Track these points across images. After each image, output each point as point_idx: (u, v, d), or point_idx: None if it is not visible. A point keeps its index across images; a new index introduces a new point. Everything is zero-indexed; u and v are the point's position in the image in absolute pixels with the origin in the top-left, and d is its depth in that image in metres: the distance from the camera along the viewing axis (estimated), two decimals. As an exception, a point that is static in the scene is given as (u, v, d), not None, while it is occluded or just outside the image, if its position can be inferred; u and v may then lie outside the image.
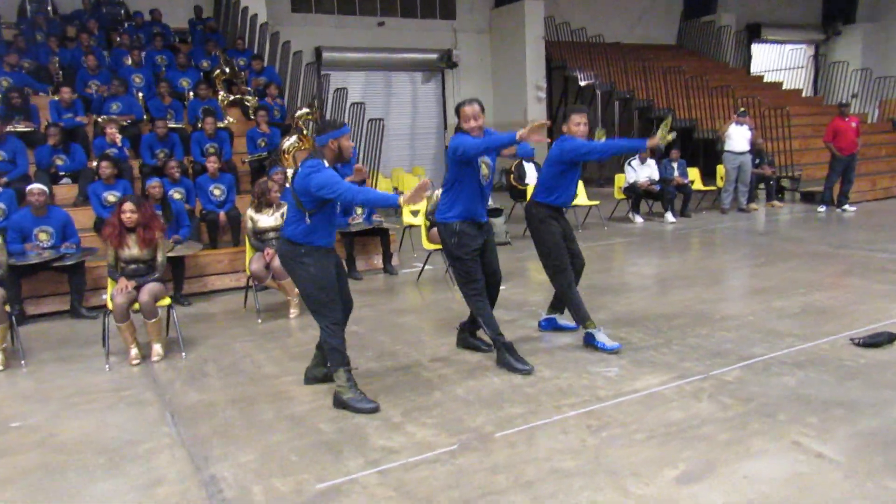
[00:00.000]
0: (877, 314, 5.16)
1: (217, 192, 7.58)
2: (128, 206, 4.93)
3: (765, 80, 17.77)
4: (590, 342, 4.66)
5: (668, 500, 2.81)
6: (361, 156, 9.88)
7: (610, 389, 3.98)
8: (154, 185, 6.62)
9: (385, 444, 3.43)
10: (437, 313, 5.90)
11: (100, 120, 8.53)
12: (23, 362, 4.97)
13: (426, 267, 7.42)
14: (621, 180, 10.89)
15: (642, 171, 10.57)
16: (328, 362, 4.00)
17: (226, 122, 9.53)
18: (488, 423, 3.60)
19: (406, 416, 3.75)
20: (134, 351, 4.91)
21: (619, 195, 10.95)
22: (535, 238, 4.84)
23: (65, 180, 7.93)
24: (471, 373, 4.36)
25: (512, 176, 10.43)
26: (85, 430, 3.78)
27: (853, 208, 10.83)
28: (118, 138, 7.95)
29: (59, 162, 7.87)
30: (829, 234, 9.03)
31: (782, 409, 3.59)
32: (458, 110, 4.30)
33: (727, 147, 11.12)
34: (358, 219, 7.57)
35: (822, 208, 10.89)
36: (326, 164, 3.80)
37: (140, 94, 9.59)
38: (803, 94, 17.35)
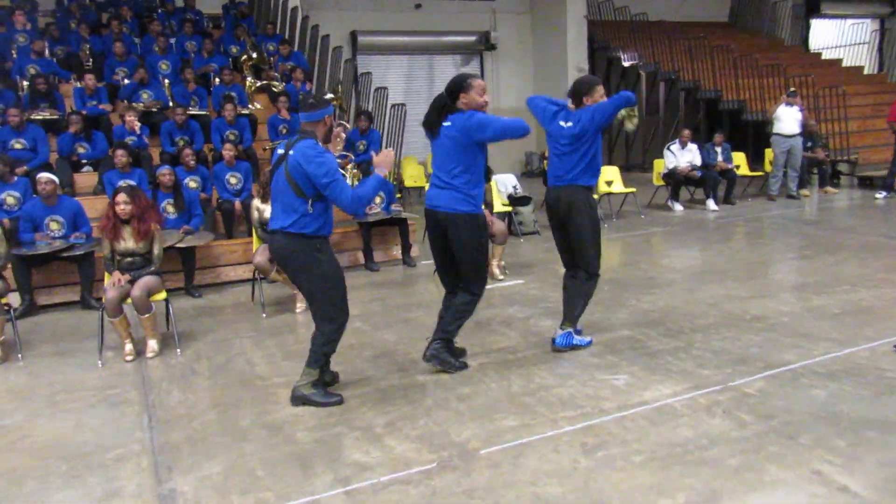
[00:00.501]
0: (928, 317, 4.66)
1: (233, 180, 7.43)
2: (121, 197, 4.78)
3: (823, 57, 16.75)
4: (569, 343, 4.39)
5: (658, 537, 2.48)
6: (385, 140, 9.61)
7: (615, 401, 3.63)
8: (164, 172, 6.50)
9: (360, 458, 3.17)
10: (448, 309, 5.60)
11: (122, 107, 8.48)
12: (19, 356, 4.89)
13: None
14: (660, 166, 10.35)
15: (683, 156, 10.02)
16: (310, 358, 3.74)
17: (252, 108, 9.39)
18: (475, 438, 3.30)
19: (390, 426, 3.49)
20: (128, 346, 4.77)
21: (657, 181, 10.42)
22: (586, 224, 4.26)
23: (86, 168, 7.89)
24: (468, 378, 4.06)
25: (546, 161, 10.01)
26: (59, 433, 3.63)
27: (917, 195, 10.07)
28: (137, 126, 7.87)
29: (80, 150, 7.83)
30: (887, 224, 8.36)
31: (806, 430, 3.18)
32: (464, 84, 3.87)
33: (776, 129, 10.45)
34: (376, 208, 7.32)
35: (881, 195, 10.14)
36: (322, 146, 3.57)
37: (166, 81, 9.52)
38: (865, 72, 16.28)
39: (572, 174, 4.26)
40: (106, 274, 4.94)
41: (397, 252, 7.59)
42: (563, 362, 4.23)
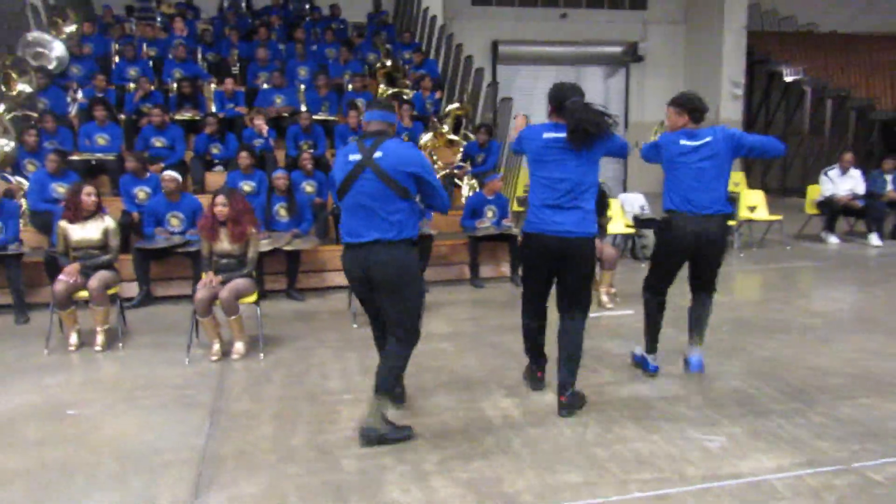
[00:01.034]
0: None
1: (348, 186, 7.44)
2: (219, 198, 4.86)
3: None
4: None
5: None
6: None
7: (702, 467, 3.11)
8: (279, 176, 6.62)
9: (398, 497, 2.91)
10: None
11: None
12: (120, 345, 5.10)
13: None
14: (815, 192, 9.27)
15: (843, 183, 8.91)
16: (384, 383, 3.41)
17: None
18: (528, 491, 2.93)
19: (441, 464, 3.20)
20: (216, 346, 4.83)
21: (810, 209, 9.34)
22: (720, 252, 4.14)
23: (217, 168, 8.27)
24: (541, 419, 3.68)
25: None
26: (124, 429, 3.67)
27: None
28: (264, 129, 8.13)
29: (214, 150, 8.22)
30: None
31: (943, 539, 2.53)
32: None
33: (962, 158, 9.03)
34: (486, 222, 7.06)
35: None
36: None
37: (302, 87, 9.83)
38: None
39: (720, 203, 3.99)
40: (203, 273, 5.04)
41: (506, 269, 7.27)
42: (652, 412, 3.73)
